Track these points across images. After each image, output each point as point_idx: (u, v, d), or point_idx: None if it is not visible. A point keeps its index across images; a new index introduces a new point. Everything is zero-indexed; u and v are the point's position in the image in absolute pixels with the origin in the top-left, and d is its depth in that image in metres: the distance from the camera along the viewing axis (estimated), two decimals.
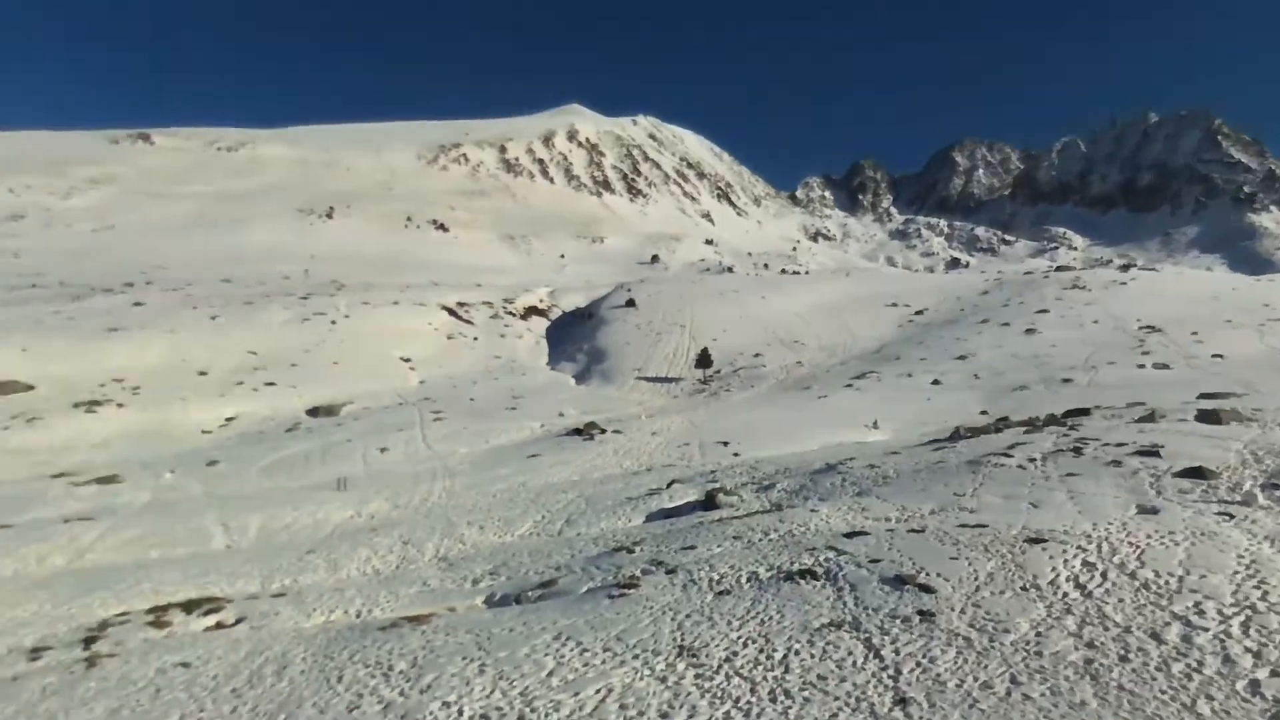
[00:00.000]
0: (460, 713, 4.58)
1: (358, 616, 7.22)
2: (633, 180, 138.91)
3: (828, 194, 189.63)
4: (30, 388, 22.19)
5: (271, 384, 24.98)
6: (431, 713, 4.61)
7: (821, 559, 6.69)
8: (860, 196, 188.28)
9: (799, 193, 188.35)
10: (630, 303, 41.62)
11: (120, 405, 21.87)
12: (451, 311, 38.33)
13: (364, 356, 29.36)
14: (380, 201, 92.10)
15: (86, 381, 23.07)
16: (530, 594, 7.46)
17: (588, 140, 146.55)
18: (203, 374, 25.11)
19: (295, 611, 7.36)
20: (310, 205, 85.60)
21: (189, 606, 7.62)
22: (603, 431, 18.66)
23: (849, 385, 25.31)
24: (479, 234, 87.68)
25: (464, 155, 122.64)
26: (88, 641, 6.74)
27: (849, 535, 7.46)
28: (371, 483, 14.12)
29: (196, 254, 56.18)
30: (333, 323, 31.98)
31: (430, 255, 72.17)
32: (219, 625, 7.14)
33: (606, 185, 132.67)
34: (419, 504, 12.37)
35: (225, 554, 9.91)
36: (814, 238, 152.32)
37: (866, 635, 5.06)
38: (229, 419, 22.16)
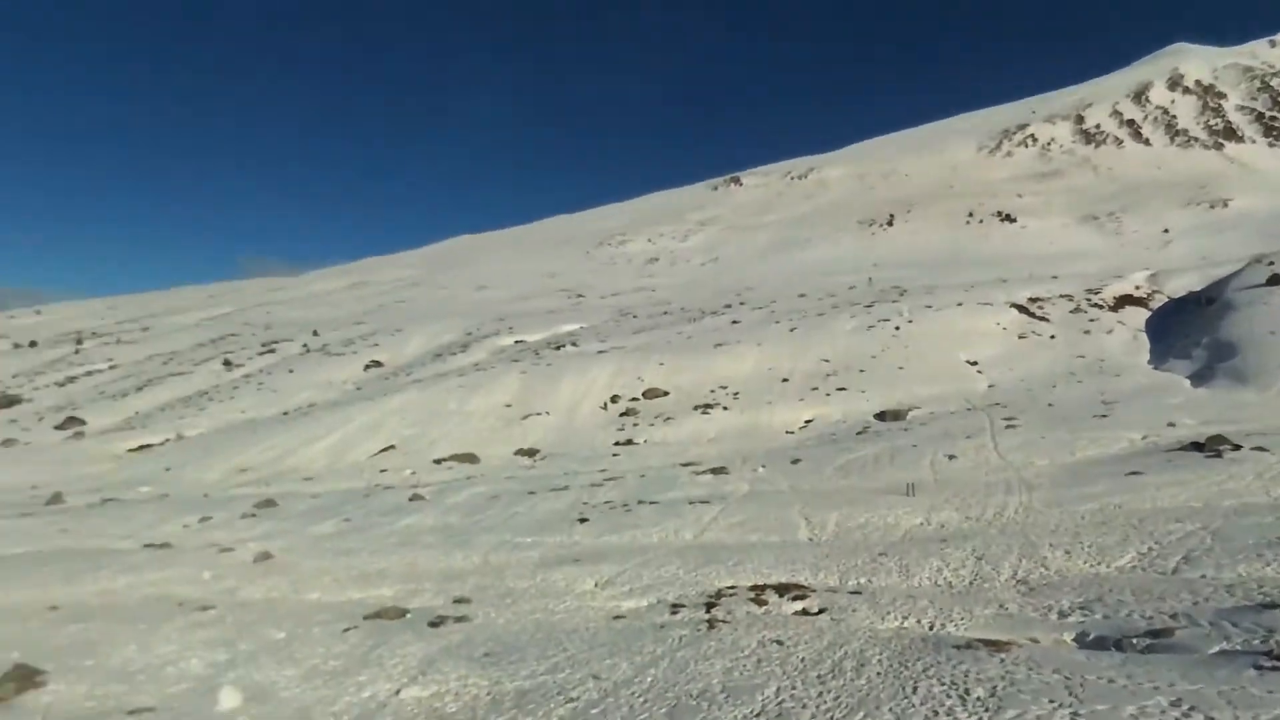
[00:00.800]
0: None
1: (930, 628, 7.16)
2: (1271, 120, 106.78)
3: None
4: (666, 394, 28.28)
5: (842, 389, 26.76)
6: None
7: None
8: None
9: None
10: (1275, 279, 32.00)
11: (725, 409, 26.22)
12: (1022, 308, 35.26)
13: (928, 360, 29.16)
14: (939, 201, 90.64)
15: (701, 389, 28.35)
16: (1135, 641, 6.30)
17: (1198, 83, 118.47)
18: (785, 381, 28.34)
19: (870, 611, 7.69)
20: (870, 216, 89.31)
21: (781, 590, 8.64)
22: (1235, 447, 14.69)
23: None
24: (1052, 219, 78.84)
25: (1031, 136, 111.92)
26: (708, 606, 8.23)
27: None
28: (940, 490, 13.87)
29: (776, 274, 63.91)
30: (896, 328, 32.62)
31: (995, 249, 67.83)
32: (804, 612, 7.91)
33: (1230, 133, 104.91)
34: (992, 518, 11.65)
35: (808, 545, 10.90)
36: None
37: None
38: (807, 421, 24.49)
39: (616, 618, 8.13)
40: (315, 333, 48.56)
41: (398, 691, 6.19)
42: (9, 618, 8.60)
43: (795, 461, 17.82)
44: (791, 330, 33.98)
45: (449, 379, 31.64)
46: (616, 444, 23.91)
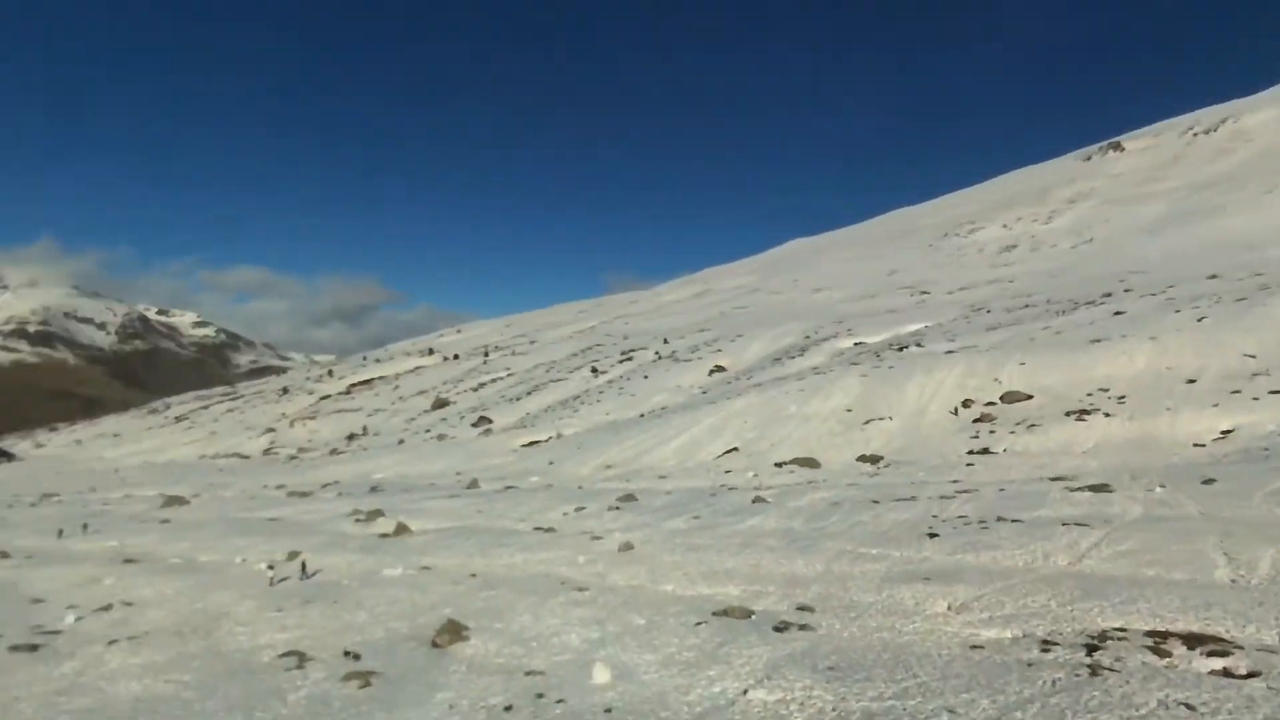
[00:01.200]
0: None
1: None
2: None
3: None
4: (1029, 397, 25.21)
5: (1276, 393, 21.26)
6: None
7: None
8: None
9: None
10: None
11: (1107, 414, 22.50)
12: None
13: None
14: None
15: (1074, 391, 24.70)
16: None
17: None
18: (1190, 382, 23.42)
19: None
20: None
21: (1190, 640, 7.12)
22: None
23: None
24: None
25: None
26: (1090, 649, 7.09)
27: None
28: None
29: (1174, 252, 53.18)
30: None
31: None
32: (1226, 672, 6.41)
33: None
34: None
35: (1229, 589, 8.88)
36: None
37: None
38: (1225, 432, 19.92)
39: (974, 647, 7.46)
40: (665, 340, 52.72)
41: (745, 691, 6.40)
42: (444, 580, 10.76)
43: (1208, 482, 14.63)
44: (1200, 320, 27.95)
45: (788, 383, 31.99)
46: (970, 453, 21.96)
